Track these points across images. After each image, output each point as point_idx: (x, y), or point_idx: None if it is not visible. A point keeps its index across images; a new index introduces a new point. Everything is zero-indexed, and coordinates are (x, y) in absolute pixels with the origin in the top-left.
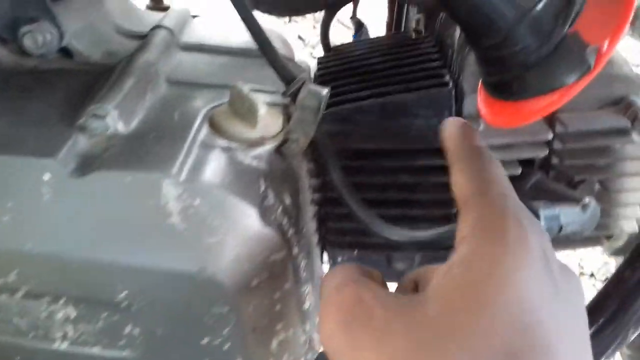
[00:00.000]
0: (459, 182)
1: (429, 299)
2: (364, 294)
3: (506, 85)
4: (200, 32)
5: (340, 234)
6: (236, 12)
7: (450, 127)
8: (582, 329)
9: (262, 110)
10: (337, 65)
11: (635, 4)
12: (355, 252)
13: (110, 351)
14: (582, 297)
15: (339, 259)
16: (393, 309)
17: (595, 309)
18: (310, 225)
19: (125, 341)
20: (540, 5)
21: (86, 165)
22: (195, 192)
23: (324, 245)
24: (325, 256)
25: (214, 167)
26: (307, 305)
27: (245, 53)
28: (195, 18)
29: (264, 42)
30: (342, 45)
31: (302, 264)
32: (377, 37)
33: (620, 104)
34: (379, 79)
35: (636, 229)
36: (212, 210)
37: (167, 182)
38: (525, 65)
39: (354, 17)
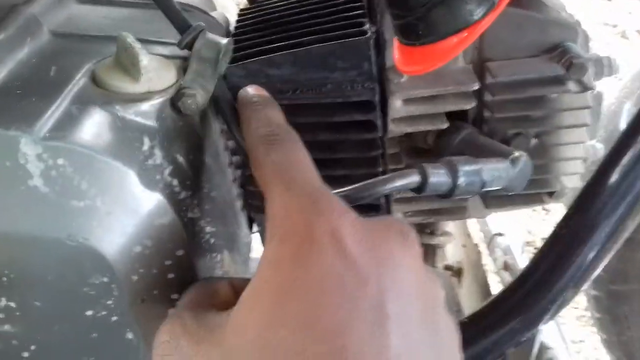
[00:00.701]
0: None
1: (231, 321)
2: (175, 328)
3: (413, 28)
4: None
5: (261, 198)
6: None
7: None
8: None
9: (146, 60)
10: (254, 17)
11: None
12: None
13: None
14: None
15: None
16: (196, 339)
17: (531, 270)
18: (231, 189)
19: (3, 315)
20: None
21: None
22: (59, 151)
23: (249, 211)
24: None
25: (86, 124)
26: (219, 272)
27: (149, 5)
28: None
29: None
30: None
31: (209, 229)
32: None
33: (555, 51)
34: (296, 30)
35: (578, 185)
36: (78, 170)
37: (26, 140)
38: (427, 4)
39: None
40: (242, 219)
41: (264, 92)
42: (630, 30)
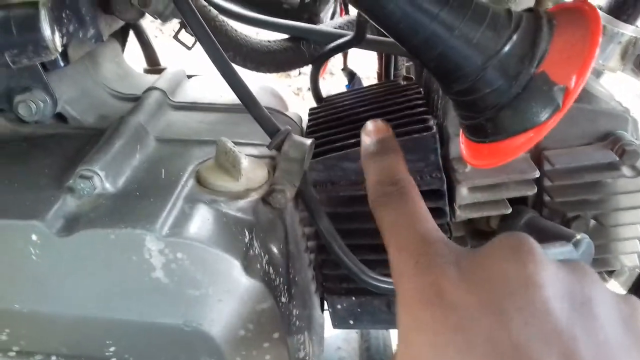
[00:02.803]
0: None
1: None
2: None
3: (481, 127)
4: (194, 91)
5: (337, 281)
6: (218, 71)
7: (368, 145)
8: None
9: (245, 162)
10: (326, 115)
11: (599, 45)
12: (354, 298)
13: None
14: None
15: (338, 307)
16: None
17: None
18: (307, 273)
19: None
20: (506, 49)
21: (73, 224)
22: (178, 246)
23: (322, 293)
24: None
25: (198, 220)
26: (302, 354)
27: (238, 109)
28: (192, 78)
29: (246, 96)
30: (333, 95)
31: (295, 312)
32: (367, 86)
33: (608, 139)
34: None
35: (637, 263)
36: (194, 263)
37: (150, 237)
38: (496, 107)
39: (345, 68)
40: (317, 301)
41: (383, 134)
42: None
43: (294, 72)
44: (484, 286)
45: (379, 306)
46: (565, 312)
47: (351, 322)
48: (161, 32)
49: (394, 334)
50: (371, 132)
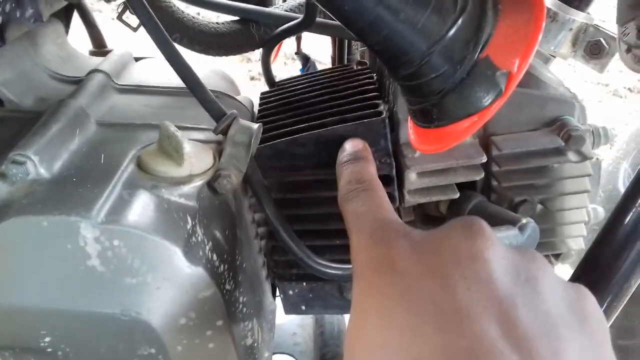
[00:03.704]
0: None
1: None
2: None
3: (427, 112)
4: (140, 74)
5: (287, 267)
6: (162, 53)
7: (342, 156)
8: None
9: (189, 147)
10: (277, 100)
11: (542, 30)
12: (305, 284)
13: None
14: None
15: (290, 293)
16: None
17: None
18: (257, 259)
19: None
20: (450, 33)
21: (4, 211)
22: (114, 233)
23: (273, 279)
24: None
25: (137, 207)
26: (249, 341)
27: (186, 93)
28: (139, 61)
29: (190, 79)
30: (285, 80)
31: (242, 299)
32: (320, 71)
33: (554, 125)
34: (317, 111)
35: (583, 246)
36: (131, 251)
37: (85, 225)
38: (441, 92)
39: (299, 52)
40: (267, 287)
41: (357, 148)
42: (621, 89)
43: (255, 57)
44: (433, 257)
45: (331, 291)
46: (508, 284)
47: (303, 307)
48: (100, 12)
49: (347, 319)
50: (346, 147)
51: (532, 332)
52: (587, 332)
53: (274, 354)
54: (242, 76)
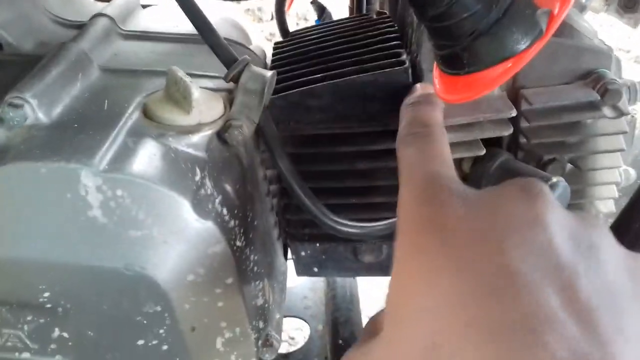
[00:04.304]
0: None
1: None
2: None
3: (457, 57)
4: (147, 20)
5: (300, 227)
6: None
7: (410, 97)
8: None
9: (197, 94)
10: (291, 50)
11: None
12: (318, 244)
13: (40, 357)
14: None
15: (302, 253)
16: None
17: None
18: (269, 218)
19: (56, 346)
20: None
21: (1, 156)
22: (117, 182)
23: (285, 239)
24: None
25: (142, 156)
26: (260, 301)
27: (194, 39)
28: (147, 8)
29: (201, 22)
30: (300, 30)
31: (253, 257)
32: (337, 20)
33: (589, 77)
34: (334, 61)
35: (613, 209)
36: (136, 201)
37: (86, 173)
38: (473, 34)
39: (314, 1)
40: (279, 248)
41: (428, 91)
42: None
43: (266, 17)
44: (487, 219)
45: (345, 254)
46: (569, 251)
47: (315, 269)
48: None
49: (360, 282)
50: (417, 87)
51: (595, 303)
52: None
53: (284, 317)
54: (255, 35)
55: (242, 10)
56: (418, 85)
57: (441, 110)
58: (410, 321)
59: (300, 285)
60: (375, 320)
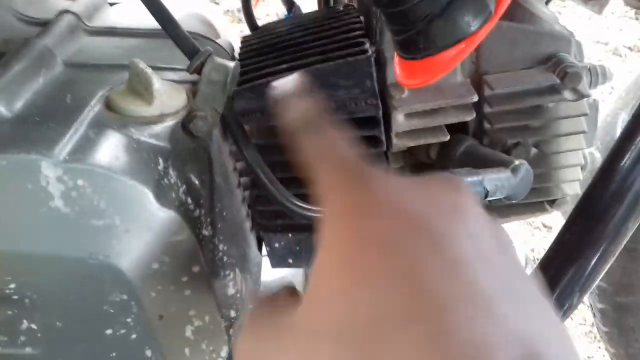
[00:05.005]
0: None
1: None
2: (250, 337)
3: (413, 41)
4: (113, 17)
5: (272, 218)
6: None
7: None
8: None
9: (158, 84)
10: (259, 42)
11: None
12: (291, 235)
13: (10, 349)
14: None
15: (276, 245)
16: (274, 336)
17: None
18: (241, 210)
19: (25, 338)
20: None
21: None
22: (78, 172)
23: (258, 231)
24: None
25: (103, 146)
26: (231, 291)
27: (159, 34)
28: (114, 5)
29: (163, 17)
30: (268, 23)
31: (221, 247)
32: (305, 13)
33: (550, 62)
34: (300, 52)
35: (578, 191)
36: (97, 191)
37: (46, 163)
38: (427, 17)
39: None
40: (252, 240)
41: (301, 85)
42: (621, 47)
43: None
44: (412, 203)
45: (315, 244)
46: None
47: (290, 260)
48: None
49: None
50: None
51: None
52: (509, 256)
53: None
54: (234, 37)
55: (222, 11)
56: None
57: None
58: (329, 302)
59: (277, 281)
60: (272, 298)
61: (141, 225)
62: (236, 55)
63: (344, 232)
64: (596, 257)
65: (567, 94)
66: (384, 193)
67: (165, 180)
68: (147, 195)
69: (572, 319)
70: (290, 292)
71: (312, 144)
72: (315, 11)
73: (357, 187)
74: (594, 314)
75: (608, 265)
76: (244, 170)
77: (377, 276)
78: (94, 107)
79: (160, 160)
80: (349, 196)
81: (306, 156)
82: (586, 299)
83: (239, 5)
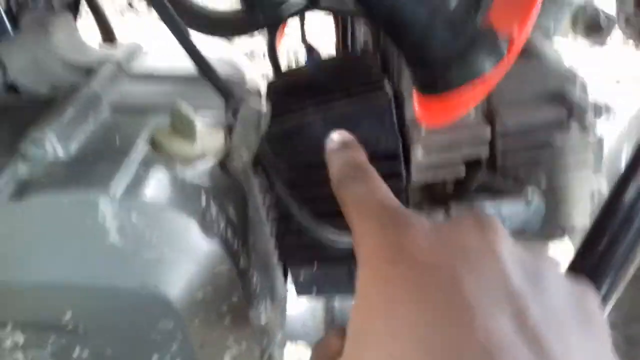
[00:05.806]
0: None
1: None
2: None
3: (431, 82)
4: (150, 63)
5: (298, 249)
6: (174, 36)
7: (331, 143)
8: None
9: (200, 125)
10: (285, 86)
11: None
12: (316, 267)
13: None
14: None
15: (301, 276)
16: None
17: None
18: (269, 242)
19: None
20: (452, 2)
21: (24, 190)
22: (132, 208)
23: (285, 263)
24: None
25: (153, 184)
26: (263, 319)
27: (195, 79)
28: (149, 52)
29: (200, 61)
30: (292, 69)
31: (255, 278)
32: (325, 59)
33: (557, 98)
34: (324, 94)
35: (588, 222)
36: (149, 225)
37: (103, 201)
38: (445, 60)
39: (303, 40)
40: (279, 272)
41: (345, 137)
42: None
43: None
44: (444, 248)
45: (341, 274)
46: (519, 278)
47: (314, 290)
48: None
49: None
50: (334, 137)
51: (544, 328)
52: (592, 331)
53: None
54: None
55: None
56: (333, 134)
57: (363, 152)
58: (372, 344)
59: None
60: (325, 344)
61: (188, 257)
62: (262, 95)
63: (376, 278)
64: (605, 289)
65: (575, 129)
66: (413, 236)
67: (208, 214)
68: (194, 228)
69: None
70: (337, 332)
71: (354, 192)
72: (335, 57)
73: (388, 231)
74: None
75: (616, 297)
76: (272, 205)
77: (412, 321)
78: (141, 147)
79: (203, 196)
80: (380, 240)
81: (348, 203)
82: None
83: (251, 47)
